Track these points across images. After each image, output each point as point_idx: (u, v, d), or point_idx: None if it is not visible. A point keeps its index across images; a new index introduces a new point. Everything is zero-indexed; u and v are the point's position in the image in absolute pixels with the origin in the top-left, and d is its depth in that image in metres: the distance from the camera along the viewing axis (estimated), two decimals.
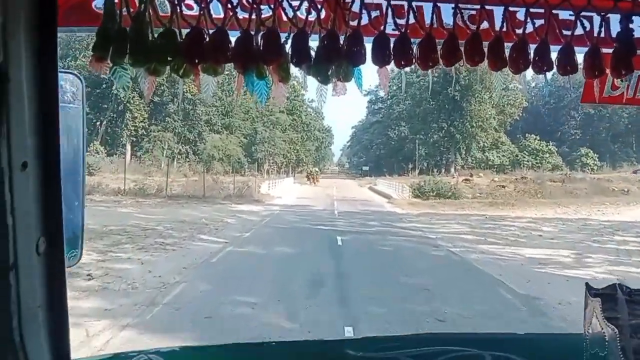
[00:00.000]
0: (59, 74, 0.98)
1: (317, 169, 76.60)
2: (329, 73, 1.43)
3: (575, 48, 1.50)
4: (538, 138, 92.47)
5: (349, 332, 8.01)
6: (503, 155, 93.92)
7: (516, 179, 73.77)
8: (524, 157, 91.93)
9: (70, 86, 1.38)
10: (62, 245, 0.99)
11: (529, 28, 1.48)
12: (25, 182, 0.88)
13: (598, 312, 1.37)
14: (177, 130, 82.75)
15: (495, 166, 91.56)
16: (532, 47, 1.49)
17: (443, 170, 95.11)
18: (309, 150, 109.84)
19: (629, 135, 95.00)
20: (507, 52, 1.48)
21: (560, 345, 2.02)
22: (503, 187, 70.29)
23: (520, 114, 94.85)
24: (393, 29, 1.45)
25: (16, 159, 0.85)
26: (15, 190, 0.85)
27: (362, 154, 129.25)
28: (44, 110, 0.91)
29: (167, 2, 1.37)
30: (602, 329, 1.35)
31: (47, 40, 0.92)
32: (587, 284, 1.50)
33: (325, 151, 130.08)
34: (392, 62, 1.44)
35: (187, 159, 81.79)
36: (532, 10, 1.47)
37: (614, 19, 1.49)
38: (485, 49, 1.47)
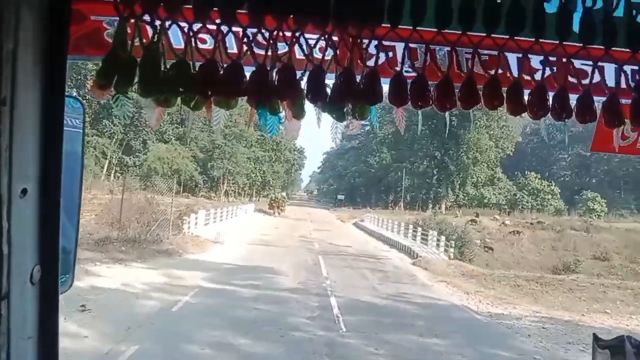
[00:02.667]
0: None
1: (283, 195, 57.37)
2: (345, 110, 1.37)
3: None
4: (539, 177, 76.96)
5: None
6: (499, 193, 77.79)
7: (530, 223, 57.31)
8: (523, 197, 76.23)
9: (71, 110, 1.29)
10: (57, 274, 0.92)
11: (546, 74, 1.43)
12: (24, 209, 0.84)
13: None
14: (116, 137, 64.16)
15: (491, 205, 75.67)
16: (550, 94, 1.42)
17: (430, 206, 78.58)
18: (277, 172, 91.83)
19: (629, 181, 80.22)
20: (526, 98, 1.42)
21: None
22: (517, 233, 53.72)
23: (513, 150, 79.35)
24: (408, 71, 1.39)
25: (16, 186, 0.82)
26: (13, 218, 0.81)
27: (334, 181, 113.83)
28: (48, 137, 0.88)
29: (180, 35, 1.29)
30: None
31: (57, 67, 0.90)
32: (594, 335, 1.49)
33: (294, 175, 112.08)
34: (409, 102, 1.38)
35: (126, 172, 62.63)
36: (549, 58, 1.42)
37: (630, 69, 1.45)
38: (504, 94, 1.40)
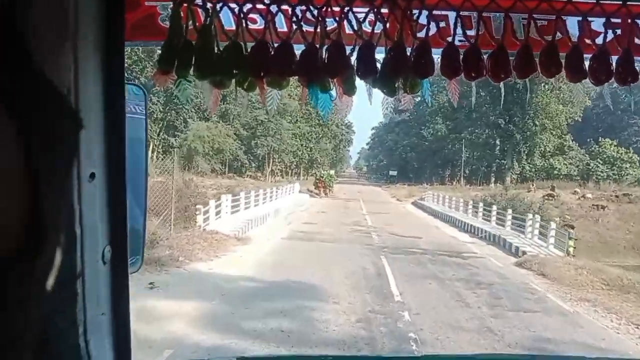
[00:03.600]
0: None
1: (331, 173, 50.12)
2: (396, 85, 1.34)
3: None
4: (615, 143, 67.64)
5: None
6: (570, 163, 69.03)
7: (615, 195, 49.04)
8: (597, 167, 67.25)
9: (133, 97, 1.36)
10: (126, 254, 0.99)
11: (609, 37, 1.34)
12: (92, 192, 0.89)
13: None
14: (155, 116, 59.52)
15: (562, 176, 67.29)
16: (613, 58, 1.35)
17: (493, 179, 70.72)
18: (324, 148, 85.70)
19: None
20: (586, 63, 1.35)
21: None
22: (602, 208, 45.98)
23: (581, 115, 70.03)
24: (461, 40, 1.34)
25: (85, 170, 0.86)
26: (83, 201, 0.86)
27: (384, 156, 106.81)
28: (111, 123, 0.92)
29: (231, 17, 1.30)
30: None
31: (115, 54, 0.93)
32: None
33: (343, 151, 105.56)
34: (462, 74, 1.34)
35: (170, 153, 57.76)
36: (611, 20, 1.33)
37: None
38: (562, 60, 1.33)
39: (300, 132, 72.92)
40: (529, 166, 69.65)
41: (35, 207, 0.40)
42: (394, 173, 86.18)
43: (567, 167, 68.27)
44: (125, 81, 1.00)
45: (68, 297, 0.86)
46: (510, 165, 68.36)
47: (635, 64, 1.35)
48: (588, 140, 71.58)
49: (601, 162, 67.24)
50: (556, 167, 67.87)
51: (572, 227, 42.75)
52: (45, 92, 0.41)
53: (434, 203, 37.21)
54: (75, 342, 0.88)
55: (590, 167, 67.42)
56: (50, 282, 0.55)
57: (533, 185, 50.92)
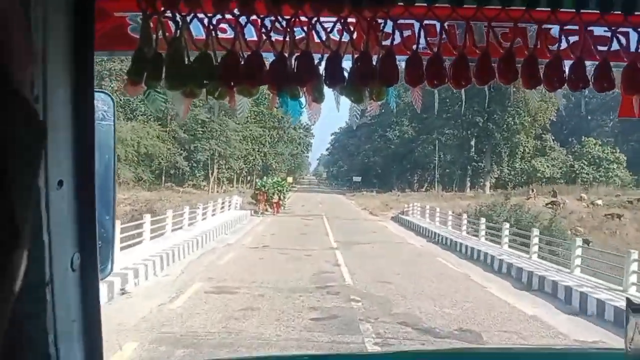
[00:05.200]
0: None
1: (283, 180, 33.76)
2: (363, 93, 1.32)
3: (612, 63, 1.38)
4: (599, 143, 59.34)
5: None
6: (553, 165, 60.26)
7: (629, 201, 40.00)
8: (583, 168, 58.73)
9: (101, 104, 1.32)
10: (96, 261, 0.97)
11: (563, 45, 1.37)
12: (60, 199, 0.88)
13: None
14: None
15: (544, 179, 58.53)
16: (567, 64, 1.37)
17: (469, 185, 61.18)
18: (280, 153, 74.53)
19: None
20: (541, 70, 1.37)
21: None
22: (617, 217, 36.84)
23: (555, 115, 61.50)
24: (425, 48, 1.35)
25: (52, 178, 0.85)
26: (51, 208, 0.84)
27: (345, 162, 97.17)
28: (80, 131, 0.91)
29: (201, 27, 1.28)
30: None
31: (84, 63, 0.92)
32: (628, 299, 1.42)
33: (301, 157, 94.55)
34: (425, 81, 1.35)
35: None
36: (565, 27, 1.35)
37: None
38: (519, 67, 1.34)
39: (251, 135, 61.64)
40: (508, 169, 60.53)
41: (1, 214, 0.39)
42: (358, 179, 75.92)
43: (550, 169, 59.44)
44: (95, 89, 0.99)
45: (37, 304, 0.84)
46: (489, 168, 58.93)
47: (587, 70, 1.34)
48: (570, 139, 63.28)
49: (586, 163, 58.74)
50: (539, 170, 58.87)
51: (588, 242, 32.99)
52: (12, 99, 0.41)
53: (423, 219, 26.51)
54: (46, 349, 0.86)
55: (574, 169, 58.80)
56: (17, 289, 0.55)
57: (533, 191, 41.05)
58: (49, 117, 0.83)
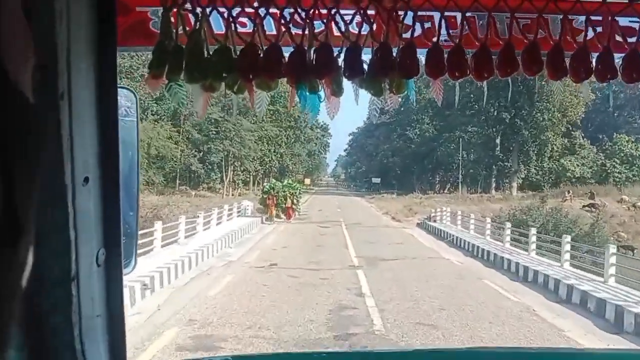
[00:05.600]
0: None
1: (295, 185, 27.78)
2: (382, 86, 1.30)
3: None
4: (632, 140, 55.46)
5: None
6: (583, 164, 56.59)
7: None
8: (615, 167, 55.10)
9: (125, 101, 1.33)
10: (120, 256, 0.98)
11: (589, 35, 1.32)
12: (86, 196, 0.88)
13: None
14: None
15: (574, 179, 55.05)
16: (594, 55, 1.33)
17: (494, 186, 57.79)
18: (297, 154, 71.87)
19: None
20: (567, 61, 1.32)
21: None
22: None
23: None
24: (446, 40, 1.32)
25: (78, 175, 0.86)
26: (77, 205, 0.85)
27: (363, 163, 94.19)
28: (104, 127, 0.92)
29: (221, 21, 1.28)
30: None
31: (107, 59, 0.92)
32: None
33: (319, 158, 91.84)
34: (446, 73, 1.31)
35: None
36: (592, 18, 1.31)
37: None
38: (544, 58, 1.30)
39: (267, 135, 59.11)
40: (535, 168, 56.98)
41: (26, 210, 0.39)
42: (377, 181, 72.94)
43: (580, 169, 55.83)
44: (118, 85, 0.99)
45: (63, 299, 0.86)
46: (517, 168, 55.46)
47: (616, 61, 1.31)
48: (601, 137, 59.45)
49: (618, 161, 55.01)
50: (568, 169, 55.30)
51: (632, 249, 29.65)
52: (39, 98, 0.40)
53: (454, 226, 23.51)
54: (71, 343, 0.88)
55: (606, 168, 55.16)
56: (45, 282, 0.62)
57: (569, 192, 37.69)
58: (74, 114, 0.83)
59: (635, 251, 28.77)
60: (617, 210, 34.44)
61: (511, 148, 55.35)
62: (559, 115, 53.73)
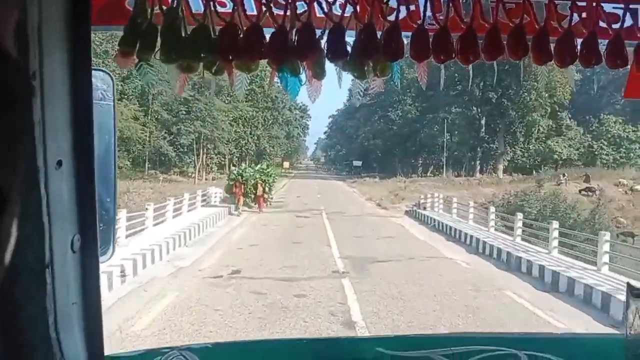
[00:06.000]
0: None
1: (278, 167, 27.55)
2: (366, 68, 1.26)
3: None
4: (620, 120, 53.63)
5: None
6: (570, 146, 54.62)
7: None
8: (602, 149, 53.49)
9: (101, 83, 1.28)
10: (96, 243, 0.94)
11: (575, 20, 1.31)
12: (60, 180, 0.85)
13: None
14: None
15: (561, 161, 53.31)
16: (578, 41, 1.32)
17: (478, 169, 55.52)
18: (275, 136, 68.49)
19: None
20: (552, 46, 1.31)
21: (600, 346, 1.73)
22: None
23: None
24: (431, 24, 1.28)
25: (51, 158, 0.82)
26: (50, 189, 0.82)
27: (343, 146, 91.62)
28: (78, 109, 0.88)
29: (200, 1, 1.23)
30: None
31: (81, 40, 0.88)
32: (628, 284, 1.36)
33: (298, 140, 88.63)
34: (432, 56, 1.27)
35: None
36: (577, 3, 1.31)
37: None
38: (529, 43, 1.29)
39: (243, 116, 55.74)
40: (521, 150, 54.85)
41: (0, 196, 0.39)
42: (359, 164, 70.35)
43: (567, 150, 53.91)
44: (94, 67, 0.96)
45: (37, 286, 0.83)
46: (503, 150, 53.24)
47: (600, 46, 1.30)
48: (587, 117, 57.41)
49: (606, 143, 53.25)
50: (555, 151, 53.29)
51: (633, 236, 27.55)
52: (9, 79, 0.40)
53: (447, 214, 20.77)
54: (46, 331, 0.86)
55: (593, 149, 53.39)
56: (18, 271, 0.58)
57: (564, 175, 35.32)
58: (46, 96, 0.80)
59: (635, 238, 26.67)
60: (614, 195, 32.21)
61: (497, 129, 53.07)
62: (546, 95, 51.44)
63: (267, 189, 22.70)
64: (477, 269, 11.53)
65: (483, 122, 54.12)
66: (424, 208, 22.89)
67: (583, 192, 31.25)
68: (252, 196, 22.13)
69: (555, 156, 53.02)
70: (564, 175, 35.05)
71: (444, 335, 2.97)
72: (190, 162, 52.03)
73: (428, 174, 55.95)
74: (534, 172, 52.71)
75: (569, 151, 53.84)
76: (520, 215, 14.74)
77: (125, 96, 44.51)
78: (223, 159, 58.16)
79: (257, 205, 22.17)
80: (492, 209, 17.67)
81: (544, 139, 54.70)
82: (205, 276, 9.83)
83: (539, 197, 27.34)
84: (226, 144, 53.67)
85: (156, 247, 11.40)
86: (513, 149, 54.09)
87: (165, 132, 48.56)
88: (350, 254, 12.39)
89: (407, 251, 13.19)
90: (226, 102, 51.32)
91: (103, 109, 1.29)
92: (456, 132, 57.26)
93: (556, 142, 53.79)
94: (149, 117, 46.84)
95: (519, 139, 52.74)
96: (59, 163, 0.83)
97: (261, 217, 20.14)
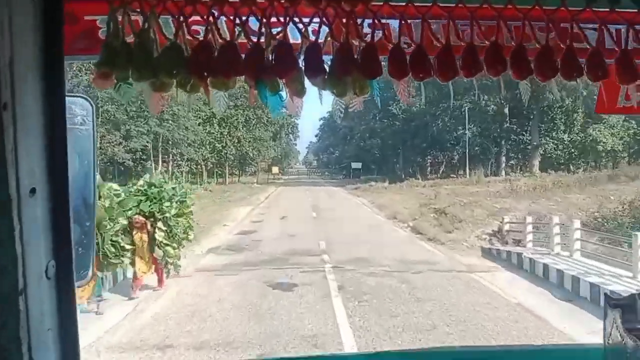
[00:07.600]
0: (70, 98, 0.97)
1: (182, 190, 11.40)
2: (346, 87, 1.23)
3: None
4: None
5: None
6: (612, 134, 43.75)
7: None
8: None
9: (80, 109, 1.32)
10: (71, 268, 0.93)
11: (551, 36, 1.29)
12: (34, 208, 0.85)
13: (618, 323, 1.24)
14: None
15: (604, 152, 42.63)
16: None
17: (503, 165, 44.65)
18: (260, 138, 57.01)
19: None
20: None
21: (579, 357, 1.73)
22: None
23: None
24: (407, 43, 1.27)
25: (24, 186, 0.82)
26: (23, 217, 0.82)
27: (337, 147, 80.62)
28: (52, 136, 0.89)
29: (172, 22, 1.19)
30: (623, 340, 1.23)
31: (55, 69, 0.90)
32: (606, 294, 1.33)
33: (287, 140, 77.01)
34: (410, 74, 1.25)
35: None
36: (553, 21, 1.29)
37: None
38: (508, 58, 1.27)
39: (218, 116, 44.61)
40: (554, 143, 43.93)
41: None
42: (358, 166, 59.22)
43: (612, 140, 43.02)
44: (71, 94, 0.95)
45: (10, 314, 0.82)
46: (538, 142, 42.25)
47: (579, 61, 1.27)
48: None
49: None
50: (599, 141, 42.39)
51: None
52: None
53: (581, 261, 9.52)
54: (20, 358, 0.83)
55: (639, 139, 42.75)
56: None
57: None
58: (19, 125, 0.80)
59: None
60: None
61: (531, 117, 42.03)
62: None
63: (177, 236, 9.81)
64: None
65: (507, 110, 43.38)
66: (518, 243, 11.63)
67: None
68: (148, 257, 9.54)
69: (600, 147, 42.24)
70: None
71: (427, 350, 2.81)
72: (166, 170, 40.77)
73: (449, 175, 44.78)
74: (571, 167, 41.96)
75: (613, 141, 43.04)
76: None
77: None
78: (196, 167, 46.97)
79: (159, 279, 9.97)
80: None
81: (581, 127, 43.98)
82: None
83: None
84: (197, 148, 42.49)
85: None
86: (553, 140, 43.23)
87: (120, 137, 37.28)
88: None
89: None
90: (196, 97, 39.90)
91: (82, 135, 1.25)
92: (475, 124, 46.26)
93: (599, 131, 42.86)
94: (99, 119, 35.61)
95: (560, 127, 41.67)
96: (33, 191, 0.83)
97: (160, 313, 8.57)
